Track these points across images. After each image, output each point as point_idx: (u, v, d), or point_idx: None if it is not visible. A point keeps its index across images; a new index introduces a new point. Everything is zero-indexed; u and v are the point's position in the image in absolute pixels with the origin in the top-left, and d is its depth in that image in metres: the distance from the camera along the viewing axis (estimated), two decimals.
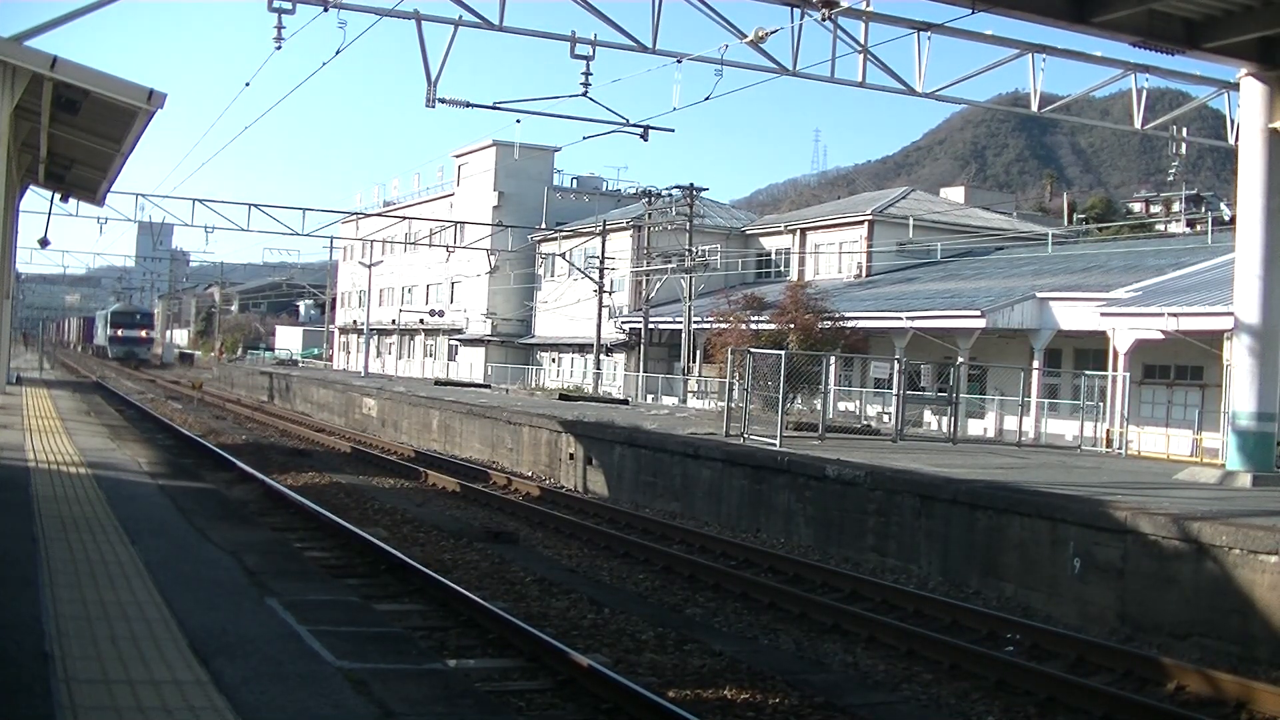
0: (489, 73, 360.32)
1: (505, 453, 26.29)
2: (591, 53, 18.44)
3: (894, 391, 27.31)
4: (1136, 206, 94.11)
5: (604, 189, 66.79)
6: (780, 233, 51.63)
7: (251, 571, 8.88)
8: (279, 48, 17.31)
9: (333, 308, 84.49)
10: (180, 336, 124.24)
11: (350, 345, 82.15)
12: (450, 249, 58.73)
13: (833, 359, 28.85)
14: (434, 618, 10.30)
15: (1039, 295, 33.71)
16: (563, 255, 53.33)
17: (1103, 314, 30.06)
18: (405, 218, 61.42)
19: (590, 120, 21.90)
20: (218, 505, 12.86)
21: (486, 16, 17.57)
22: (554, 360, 57.46)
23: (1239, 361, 16.97)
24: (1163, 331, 28.22)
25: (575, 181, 67.79)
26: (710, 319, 40.00)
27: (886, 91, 19.68)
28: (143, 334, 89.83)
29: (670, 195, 46.11)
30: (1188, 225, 62.67)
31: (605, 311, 48.29)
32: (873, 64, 18.85)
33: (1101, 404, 27.69)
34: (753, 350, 24.17)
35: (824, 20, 16.96)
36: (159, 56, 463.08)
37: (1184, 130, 28.40)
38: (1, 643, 6.20)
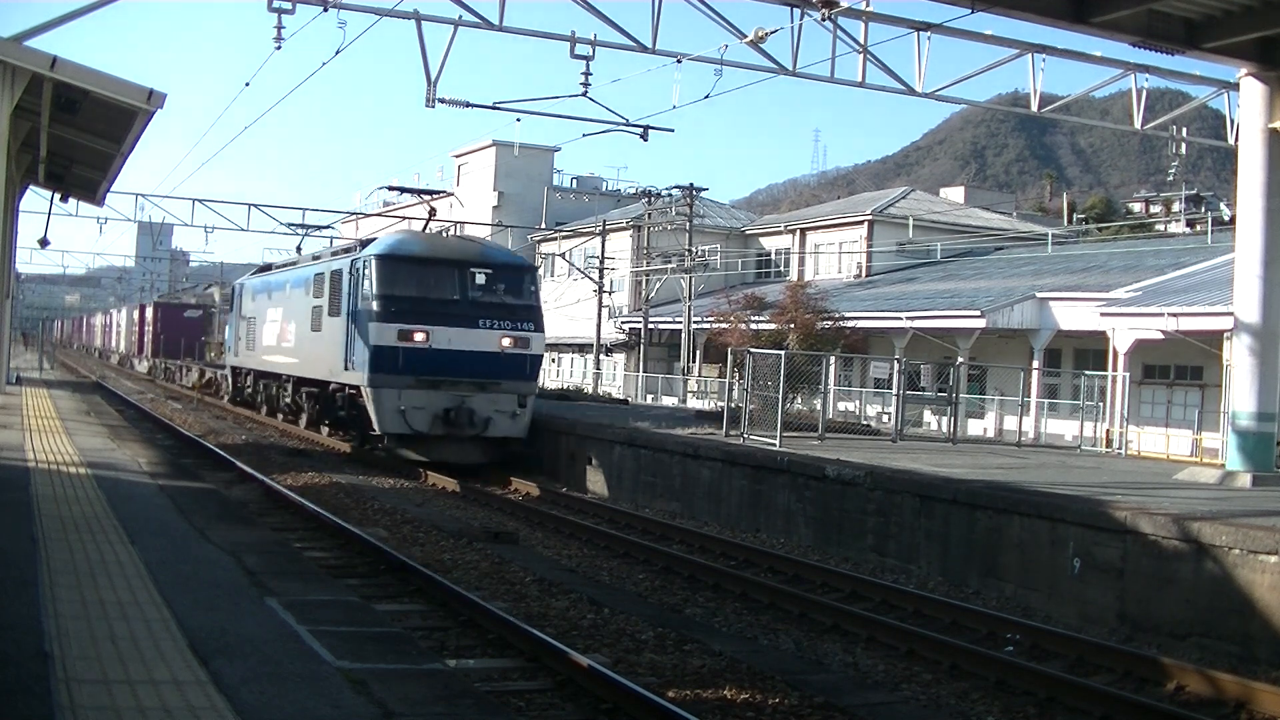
0: (489, 73, 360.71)
1: None
2: (591, 53, 18.44)
3: (894, 391, 27.30)
4: (1136, 206, 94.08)
5: (604, 189, 66.80)
6: (780, 233, 51.62)
7: (251, 571, 8.88)
8: (279, 48, 17.29)
9: None
10: None
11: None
12: None
13: (833, 359, 28.85)
14: (434, 618, 10.29)
15: (1039, 295, 33.72)
16: (562, 255, 53.32)
17: (1102, 314, 30.06)
18: (405, 218, 61.27)
19: (590, 120, 21.92)
20: (217, 505, 12.86)
21: (486, 16, 17.58)
22: (553, 360, 57.46)
23: (1239, 361, 16.97)
24: (1162, 331, 28.22)
25: (575, 181, 67.81)
26: (710, 319, 40.02)
27: (886, 91, 19.69)
28: (507, 342, 21.77)
29: (670, 195, 46.12)
30: (1188, 225, 62.66)
31: (605, 311, 48.27)
32: (873, 64, 18.86)
33: (1101, 404, 27.68)
34: (752, 350, 24.16)
35: (824, 20, 16.97)
36: (159, 56, 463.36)
37: (1184, 130, 28.43)
38: (1, 643, 6.20)
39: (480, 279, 22.30)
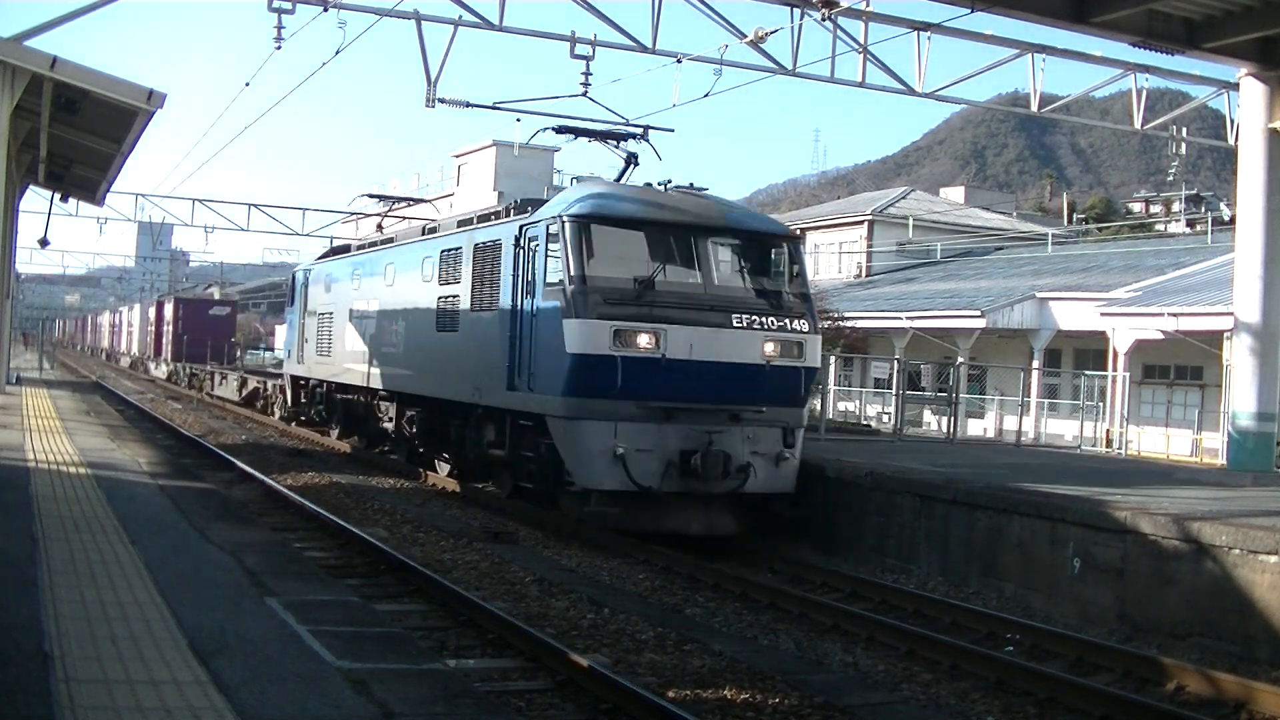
0: (489, 73, 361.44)
1: None
2: (591, 53, 18.47)
3: (894, 391, 27.31)
4: (1136, 206, 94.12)
5: None
6: None
7: (251, 571, 8.89)
8: (279, 48, 17.35)
9: None
10: None
11: None
12: None
13: (832, 359, 28.86)
14: (433, 618, 10.29)
15: (1039, 295, 33.75)
16: None
17: (1103, 314, 30.09)
18: (405, 218, 61.30)
19: (590, 120, 21.89)
20: (218, 505, 12.87)
21: (486, 16, 17.63)
22: None
23: (1239, 361, 16.98)
24: (1162, 331, 28.25)
25: (575, 181, 67.78)
26: None
27: (886, 91, 19.72)
28: (772, 349, 14.84)
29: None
30: (1188, 225, 62.68)
31: None
32: (872, 64, 18.91)
33: (1101, 404, 27.70)
34: None
35: (824, 20, 16.99)
36: (159, 56, 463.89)
37: (1184, 130, 28.53)
38: (1, 643, 6.21)
39: (726, 253, 15.35)
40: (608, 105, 19.34)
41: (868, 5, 18.09)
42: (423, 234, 20.52)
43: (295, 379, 28.63)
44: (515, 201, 17.16)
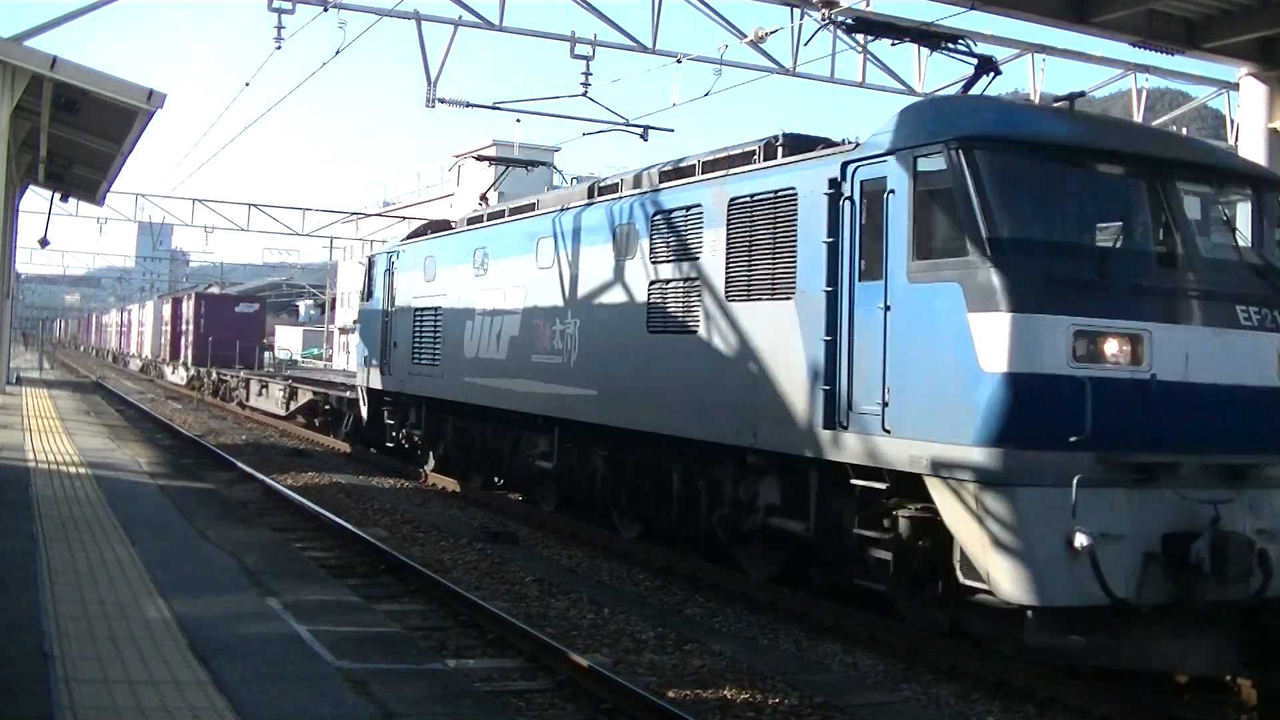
0: (489, 73, 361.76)
1: None
2: (591, 53, 18.51)
3: None
4: None
5: None
6: None
7: (251, 571, 8.90)
8: (279, 48, 17.38)
9: (333, 307, 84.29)
10: None
11: (350, 345, 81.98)
12: None
13: None
14: (434, 618, 10.30)
15: None
16: None
17: None
18: (405, 218, 61.43)
19: (590, 120, 21.93)
20: (218, 505, 12.89)
21: (486, 16, 17.67)
22: None
23: None
24: None
25: (575, 181, 67.71)
26: None
27: (886, 91, 19.73)
28: None
29: None
30: None
31: None
32: (872, 64, 18.92)
33: None
34: None
35: (823, 20, 17.00)
36: (159, 56, 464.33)
37: (1184, 130, 28.49)
38: (1, 643, 6.21)
39: (1197, 206, 9.78)
40: (608, 105, 19.27)
41: (868, 5, 18.10)
42: (590, 196, 14.50)
43: (376, 394, 22.07)
44: (779, 139, 11.41)
